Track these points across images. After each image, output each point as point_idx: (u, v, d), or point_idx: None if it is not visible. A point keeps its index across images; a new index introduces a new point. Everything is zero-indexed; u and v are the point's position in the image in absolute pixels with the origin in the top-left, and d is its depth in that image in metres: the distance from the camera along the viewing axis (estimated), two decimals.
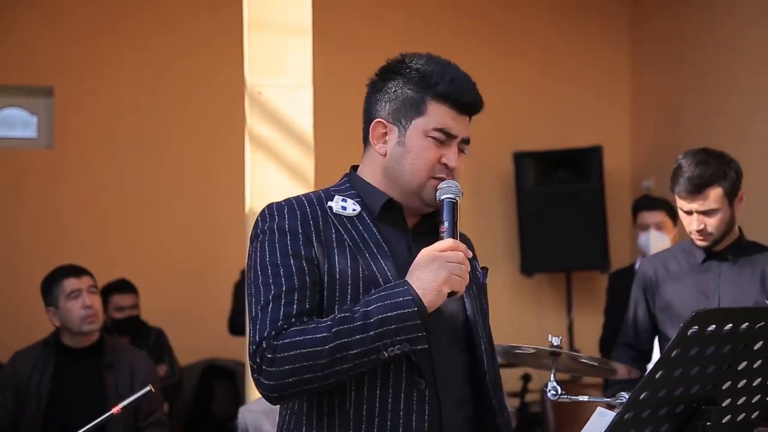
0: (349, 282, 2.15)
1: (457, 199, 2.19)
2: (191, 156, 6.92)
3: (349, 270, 2.16)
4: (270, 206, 2.24)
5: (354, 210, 2.24)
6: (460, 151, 2.27)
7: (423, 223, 2.31)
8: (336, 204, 2.24)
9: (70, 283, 4.36)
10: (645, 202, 5.80)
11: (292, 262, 2.15)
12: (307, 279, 2.14)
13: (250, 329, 2.15)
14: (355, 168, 2.37)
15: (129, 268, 6.38)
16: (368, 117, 2.31)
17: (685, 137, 6.74)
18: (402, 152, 2.25)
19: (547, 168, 7.21)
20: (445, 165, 2.23)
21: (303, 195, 2.29)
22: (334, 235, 2.19)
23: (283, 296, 2.12)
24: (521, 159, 7.19)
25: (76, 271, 4.43)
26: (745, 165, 5.99)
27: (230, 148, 5.73)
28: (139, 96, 6.92)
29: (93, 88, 6.87)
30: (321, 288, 2.15)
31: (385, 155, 2.26)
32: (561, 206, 7.10)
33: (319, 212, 2.21)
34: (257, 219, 2.24)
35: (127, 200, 6.87)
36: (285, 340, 2.07)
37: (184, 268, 6.66)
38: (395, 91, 2.27)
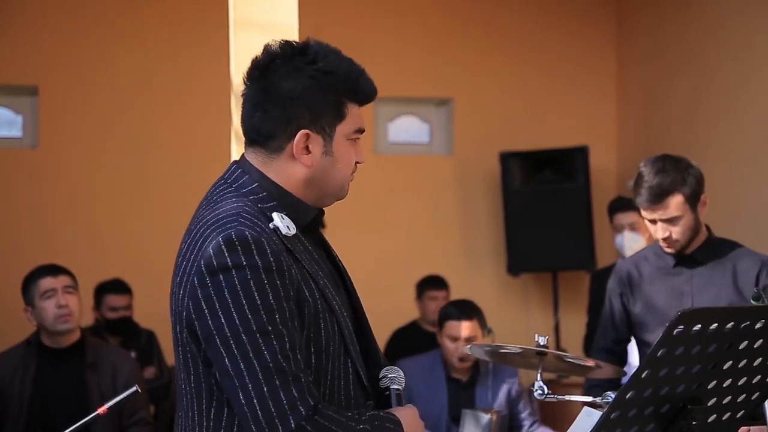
0: (313, 316, 2.07)
1: (401, 389, 2.22)
2: (178, 155, 6.90)
3: (313, 302, 2.07)
4: (243, 234, 1.99)
5: (293, 229, 2.09)
6: None
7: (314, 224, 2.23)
8: (283, 226, 2.07)
9: (46, 283, 4.34)
10: (618, 204, 5.81)
11: (286, 307, 1.99)
12: (296, 325, 2.01)
13: (268, 390, 1.95)
14: (242, 164, 2.17)
15: (116, 268, 6.36)
16: (280, 124, 2.11)
17: (671, 136, 6.76)
18: (330, 162, 2.14)
19: (533, 168, 7.21)
20: (357, 162, 2.20)
21: (244, 212, 2.05)
22: (294, 266, 2.05)
23: (292, 357, 1.98)
24: (507, 159, 7.20)
25: (53, 270, 4.41)
26: (731, 160, 6.03)
27: (217, 148, 5.70)
28: (125, 95, 6.89)
29: (78, 88, 6.84)
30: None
31: (310, 166, 2.13)
32: (547, 206, 7.11)
33: (275, 238, 2.04)
34: (231, 247, 1.98)
35: (114, 200, 6.85)
36: (324, 423, 1.98)
37: (171, 269, 6.64)
38: (312, 96, 2.11)
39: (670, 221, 3.58)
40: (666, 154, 3.66)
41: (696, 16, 6.67)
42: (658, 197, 3.55)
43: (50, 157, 6.81)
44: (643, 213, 3.63)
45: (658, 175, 3.56)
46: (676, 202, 3.56)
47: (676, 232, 3.60)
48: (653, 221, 3.61)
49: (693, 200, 3.59)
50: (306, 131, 2.11)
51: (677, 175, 3.57)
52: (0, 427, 4.32)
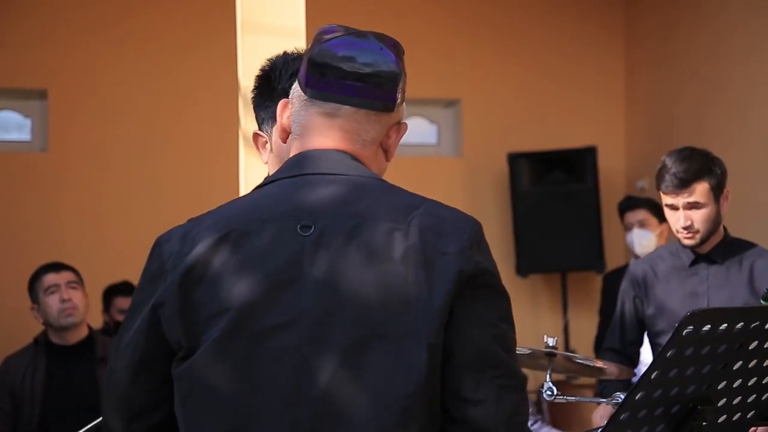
0: None
1: None
2: (186, 158, 6.91)
3: None
4: None
5: None
6: None
7: None
8: None
9: (49, 279, 4.42)
10: (627, 203, 5.95)
11: None
12: None
13: None
14: None
15: (126, 271, 6.36)
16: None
17: (680, 137, 6.74)
18: (277, 163, 2.16)
19: (541, 169, 7.21)
20: None
21: None
22: None
23: None
24: (516, 160, 7.19)
25: (56, 267, 4.50)
26: (741, 164, 6.02)
27: (225, 150, 5.72)
28: (134, 98, 6.91)
29: (87, 91, 6.86)
30: None
31: (266, 163, 2.29)
32: (556, 207, 7.10)
33: None
34: None
35: (123, 203, 6.86)
36: None
37: None
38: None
39: (694, 206, 3.55)
40: (691, 146, 3.66)
41: (706, 19, 6.65)
42: (684, 182, 3.53)
43: (59, 160, 6.82)
44: (666, 199, 3.59)
45: (685, 161, 3.54)
46: (701, 189, 3.54)
47: (697, 220, 3.56)
48: (675, 208, 3.58)
49: (717, 191, 3.57)
50: (258, 133, 2.33)
51: (704, 163, 3.56)
52: (14, 428, 4.34)
